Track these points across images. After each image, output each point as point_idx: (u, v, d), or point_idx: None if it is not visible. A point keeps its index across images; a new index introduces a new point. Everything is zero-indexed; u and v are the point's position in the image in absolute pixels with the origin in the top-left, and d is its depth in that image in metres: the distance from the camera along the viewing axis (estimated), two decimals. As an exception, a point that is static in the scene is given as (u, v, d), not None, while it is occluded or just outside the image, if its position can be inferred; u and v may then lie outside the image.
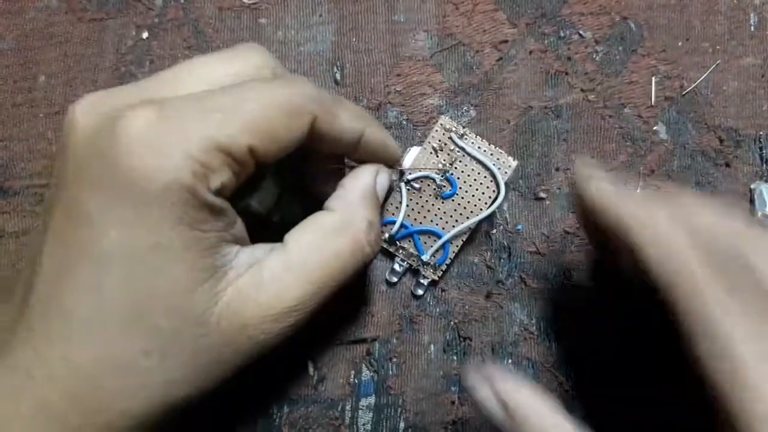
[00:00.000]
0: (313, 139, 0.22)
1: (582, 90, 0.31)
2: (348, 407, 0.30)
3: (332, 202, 0.24)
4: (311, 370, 0.30)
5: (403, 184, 0.29)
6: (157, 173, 0.18)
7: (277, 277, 0.21)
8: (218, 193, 0.19)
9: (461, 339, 0.30)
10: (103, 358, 0.18)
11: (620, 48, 0.31)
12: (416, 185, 0.29)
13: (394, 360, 0.30)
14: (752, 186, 0.30)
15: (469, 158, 0.29)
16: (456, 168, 0.29)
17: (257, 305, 0.21)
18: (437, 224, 0.29)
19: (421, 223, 0.29)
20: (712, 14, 0.31)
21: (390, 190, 0.29)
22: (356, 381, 0.30)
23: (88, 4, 0.32)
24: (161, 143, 0.18)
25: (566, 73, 0.31)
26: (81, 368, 0.18)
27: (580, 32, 0.31)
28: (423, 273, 0.30)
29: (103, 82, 0.31)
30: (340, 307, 0.30)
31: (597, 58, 0.31)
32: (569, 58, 0.31)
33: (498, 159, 0.29)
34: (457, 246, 0.29)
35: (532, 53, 0.31)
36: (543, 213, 0.31)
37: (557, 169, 0.31)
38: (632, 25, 0.31)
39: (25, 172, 0.31)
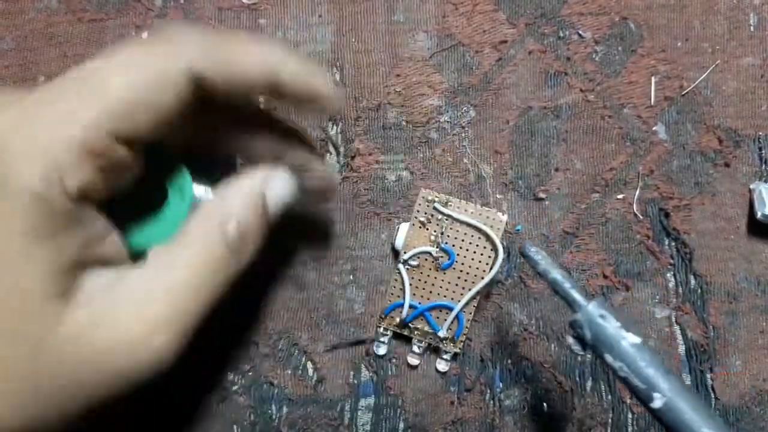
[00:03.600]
0: (209, 94, 0.19)
1: (581, 90, 0.31)
2: (347, 407, 0.30)
3: (207, 204, 0.21)
4: (310, 370, 0.30)
5: (401, 265, 0.29)
6: (1, 177, 0.16)
7: (134, 298, 0.18)
8: (81, 197, 0.17)
9: (460, 339, 0.30)
10: None
11: (620, 48, 0.31)
12: (414, 263, 0.29)
13: (394, 360, 0.30)
14: (751, 186, 0.30)
15: (459, 223, 0.29)
16: (449, 236, 0.29)
17: (109, 332, 0.18)
18: (444, 296, 0.29)
19: (428, 299, 0.29)
20: (712, 14, 0.31)
21: (302, 205, 0.26)
22: (355, 381, 0.30)
23: (87, 5, 0.32)
24: (4, 141, 0.16)
25: (566, 74, 0.31)
26: None
27: (580, 32, 0.31)
28: (444, 348, 0.29)
29: (102, 82, 0.31)
30: (339, 308, 0.30)
31: (596, 58, 0.31)
32: (569, 59, 0.31)
33: (487, 217, 0.29)
34: (470, 313, 0.29)
35: (531, 53, 0.31)
36: (542, 213, 0.31)
37: (556, 170, 0.31)
38: (632, 25, 0.31)
39: (24, 173, 0.31)
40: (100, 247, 0.18)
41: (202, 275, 0.20)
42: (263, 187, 0.22)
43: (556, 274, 0.23)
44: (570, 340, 0.23)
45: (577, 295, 0.22)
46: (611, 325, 0.21)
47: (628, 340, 0.21)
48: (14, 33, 0.31)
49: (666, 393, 0.20)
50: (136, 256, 0.20)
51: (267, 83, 0.20)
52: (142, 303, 0.18)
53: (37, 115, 0.17)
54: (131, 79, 0.18)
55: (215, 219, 0.20)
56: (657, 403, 0.20)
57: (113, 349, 0.18)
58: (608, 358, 0.21)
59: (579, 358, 0.30)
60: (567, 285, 0.22)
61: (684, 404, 0.20)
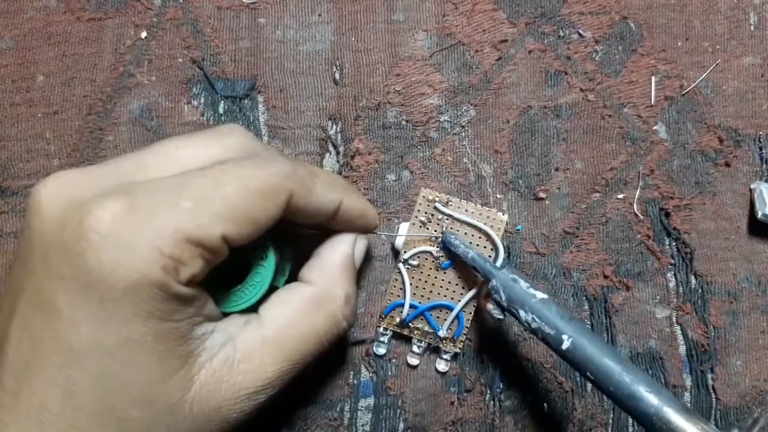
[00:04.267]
0: (290, 213, 0.21)
1: (581, 89, 0.31)
2: (347, 408, 0.30)
3: (309, 272, 0.24)
4: (310, 370, 0.30)
5: (401, 265, 0.29)
6: (126, 270, 0.18)
7: (252, 355, 0.21)
8: (189, 282, 0.19)
9: (461, 339, 0.30)
10: None
11: (620, 47, 0.31)
12: (414, 262, 0.29)
13: (393, 360, 0.30)
14: (752, 186, 0.30)
15: (459, 223, 0.29)
16: None
17: (231, 386, 0.21)
18: (445, 296, 0.29)
19: (428, 299, 0.29)
20: (712, 14, 0.31)
21: (369, 256, 0.29)
22: (355, 381, 0.30)
23: (86, 4, 0.32)
24: (129, 238, 0.18)
25: (566, 73, 0.31)
26: None
27: (580, 32, 0.31)
28: (444, 348, 0.29)
29: (101, 81, 0.31)
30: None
31: (596, 58, 0.31)
32: (569, 58, 0.31)
33: (488, 217, 0.29)
34: (470, 313, 0.29)
35: (531, 53, 0.31)
36: (542, 213, 0.30)
37: (557, 169, 0.31)
38: (632, 24, 0.31)
39: (23, 172, 0.31)
40: (206, 311, 0.21)
41: (311, 350, 0.23)
42: (353, 255, 0.25)
43: (473, 254, 0.27)
44: (489, 306, 0.26)
45: (490, 266, 0.26)
46: (522, 286, 0.25)
47: (537, 296, 0.24)
48: (13, 32, 0.31)
49: (571, 334, 0.23)
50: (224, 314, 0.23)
51: (334, 209, 0.23)
52: (258, 365, 0.21)
53: (150, 207, 0.18)
54: (248, 192, 0.20)
55: (324, 306, 0.23)
56: (566, 344, 0.23)
57: (228, 406, 0.21)
58: (521, 314, 0.24)
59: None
60: (481, 260, 0.26)
61: (587, 342, 0.23)
